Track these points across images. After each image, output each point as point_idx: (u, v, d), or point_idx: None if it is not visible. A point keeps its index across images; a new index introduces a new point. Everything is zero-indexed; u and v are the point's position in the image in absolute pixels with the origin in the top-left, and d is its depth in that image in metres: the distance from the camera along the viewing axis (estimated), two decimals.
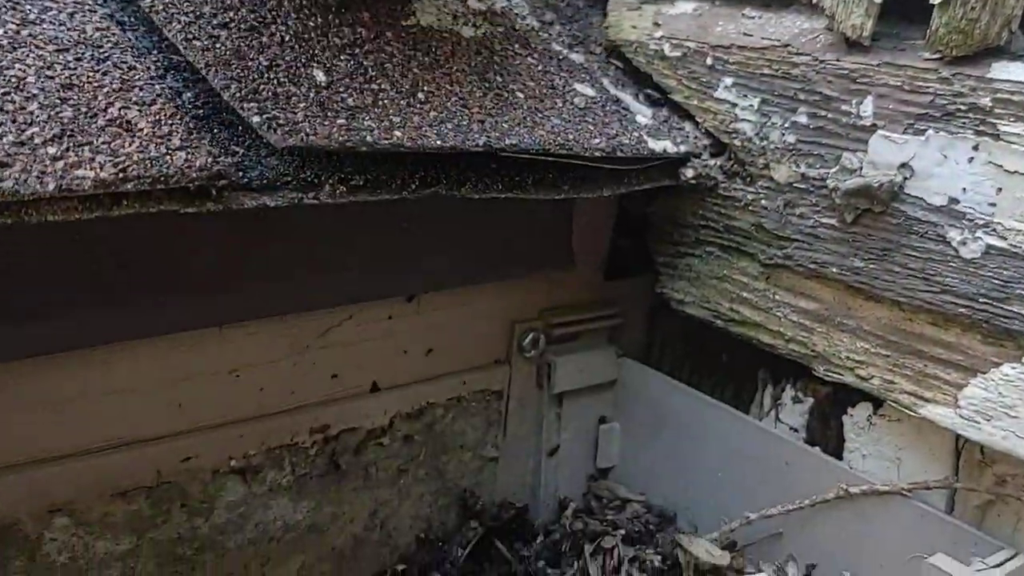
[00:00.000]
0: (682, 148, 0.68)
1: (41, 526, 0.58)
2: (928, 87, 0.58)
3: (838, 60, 0.62)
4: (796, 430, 0.72)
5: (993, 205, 0.56)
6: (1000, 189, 0.55)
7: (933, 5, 0.57)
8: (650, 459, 0.80)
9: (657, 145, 0.67)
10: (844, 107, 0.62)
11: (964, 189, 0.57)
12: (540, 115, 0.64)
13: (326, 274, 0.64)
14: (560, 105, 0.66)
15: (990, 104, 0.55)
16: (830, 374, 0.66)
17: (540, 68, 0.70)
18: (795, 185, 0.65)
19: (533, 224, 0.72)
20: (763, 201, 0.68)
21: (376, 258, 0.66)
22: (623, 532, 0.73)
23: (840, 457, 0.69)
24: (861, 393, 0.66)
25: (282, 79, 0.57)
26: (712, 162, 0.69)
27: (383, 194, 0.56)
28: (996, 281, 0.56)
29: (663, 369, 0.82)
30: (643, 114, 0.69)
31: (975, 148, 0.56)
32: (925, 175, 0.59)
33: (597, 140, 0.64)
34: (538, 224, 0.73)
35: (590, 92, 0.70)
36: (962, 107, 0.57)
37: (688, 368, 0.81)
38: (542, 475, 0.80)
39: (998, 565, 0.58)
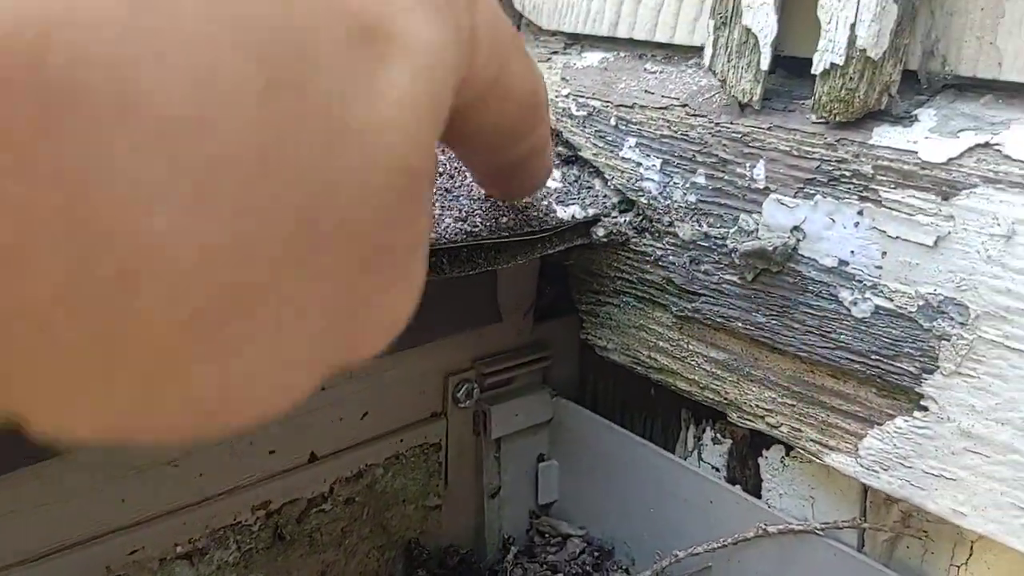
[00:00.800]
0: (591, 211, 0.70)
1: None
2: (815, 152, 0.60)
3: (732, 123, 0.64)
4: (718, 469, 0.75)
5: (879, 268, 0.59)
6: (885, 253, 0.58)
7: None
8: (588, 494, 0.84)
9: (566, 212, 0.69)
10: (739, 170, 0.64)
11: (852, 252, 0.60)
12: (450, 197, 0.65)
13: None
14: (469, 180, 0.68)
15: (871, 171, 0.58)
16: (743, 421, 0.69)
17: None
18: (699, 243, 0.68)
19: (458, 286, 0.74)
20: (671, 257, 0.70)
21: None
22: (562, 575, 0.77)
23: (759, 495, 0.72)
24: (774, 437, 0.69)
25: None
26: (622, 219, 0.71)
27: None
28: (886, 339, 0.59)
29: (597, 404, 0.85)
30: (553, 177, 0.71)
31: (860, 213, 0.59)
32: (816, 238, 0.61)
33: (505, 218, 0.65)
34: (463, 285, 0.75)
35: None
36: (846, 173, 0.59)
37: (620, 402, 0.84)
38: (485, 516, 0.83)
39: None
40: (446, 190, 0.66)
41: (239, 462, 0.69)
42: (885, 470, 0.61)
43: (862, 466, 0.62)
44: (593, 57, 0.75)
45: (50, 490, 0.61)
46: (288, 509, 0.72)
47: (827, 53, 0.58)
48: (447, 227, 0.63)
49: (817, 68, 0.59)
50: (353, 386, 0.74)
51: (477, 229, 0.64)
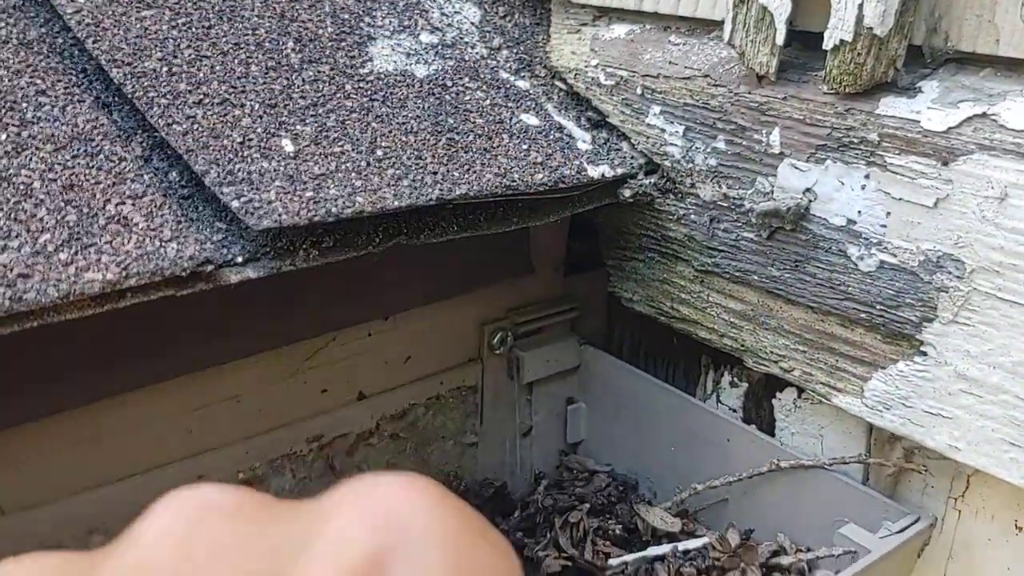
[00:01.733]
0: (619, 171, 0.75)
1: (82, 545, 0.68)
2: (826, 120, 0.65)
3: (749, 93, 0.69)
4: (735, 410, 0.81)
5: (884, 226, 0.64)
6: (889, 213, 0.63)
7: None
8: (614, 434, 0.90)
9: (596, 171, 0.74)
10: (756, 136, 0.69)
11: (859, 212, 0.65)
12: (488, 155, 0.71)
13: (310, 308, 0.73)
14: (507, 141, 0.73)
15: (877, 139, 0.63)
16: (758, 365, 0.75)
17: (488, 102, 0.77)
18: (719, 203, 0.73)
19: (493, 240, 0.80)
20: (692, 216, 0.76)
21: (353, 289, 0.74)
22: (588, 505, 0.83)
23: (773, 434, 0.79)
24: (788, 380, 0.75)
25: (255, 155, 0.64)
26: (647, 180, 0.76)
27: (351, 252, 0.65)
28: (890, 291, 0.65)
29: (623, 351, 0.92)
30: (584, 140, 0.77)
31: (867, 177, 0.64)
32: (826, 199, 0.67)
33: (540, 175, 0.71)
34: (498, 240, 0.81)
35: (535, 122, 0.77)
36: (855, 140, 0.64)
37: (644, 350, 0.90)
38: (518, 454, 0.90)
39: (901, 531, 0.68)
40: (485, 150, 0.72)
41: (295, 399, 0.75)
42: (888, 409, 0.67)
43: (867, 406, 0.68)
44: (620, 29, 0.80)
45: (127, 421, 0.68)
46: (339, 442, 0.78)
47: (836, 31, 0.63)
48: (488, 181, 0.68)
49: (828, 44, 0.64)
50: (397, 333, 0.80)
51: (515, 184, 0.69)
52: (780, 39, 0.66)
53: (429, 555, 0.20)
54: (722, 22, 0.71)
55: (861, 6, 0.61)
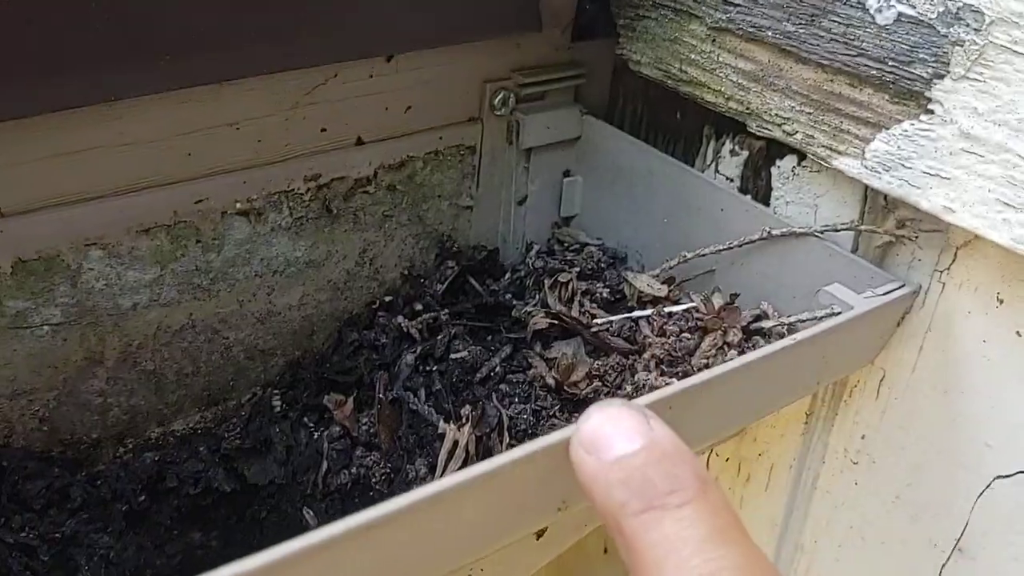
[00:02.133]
0: None
1: (79, 257, 0.68)
2: None
3: None
4: (732, 180, 0.81)
5: None
6: None
7: None
8: (608, 210, 0.90)
9: None
10: None
11: None
12: None
13: (311, 32, 0.71)
14: None
15: None
16: (761, 129, 0.74)
17: None
18: None
19: None
20: None
21: (356, 18, 0.72)
22: (578, 269, 0.84)
23: (768, 204, 0.79)
24: (789, 148, 0.75)
25: None
26: None
27: None
28: (904, 46, 0.64)
29: (623, 126, 0.91)
30: None
31: None
32: None
33: None
34: None
35: None
36: None
37: (645, 125, 0.90)
38: (511, 222, 0.90)
39: (884, 294, 0.69)
40: None
41: (294, 133, 0.75)
42: (887, 171, 0.67)
43: (866, 168, 0.68)
44: None
45: (125, 133, 0.67)
46: (336, 185, 0.78)
47: None
48: None
49: None
50: (400, 79, 0.79)
51: None
52: None
53: None
54: None
55: None
